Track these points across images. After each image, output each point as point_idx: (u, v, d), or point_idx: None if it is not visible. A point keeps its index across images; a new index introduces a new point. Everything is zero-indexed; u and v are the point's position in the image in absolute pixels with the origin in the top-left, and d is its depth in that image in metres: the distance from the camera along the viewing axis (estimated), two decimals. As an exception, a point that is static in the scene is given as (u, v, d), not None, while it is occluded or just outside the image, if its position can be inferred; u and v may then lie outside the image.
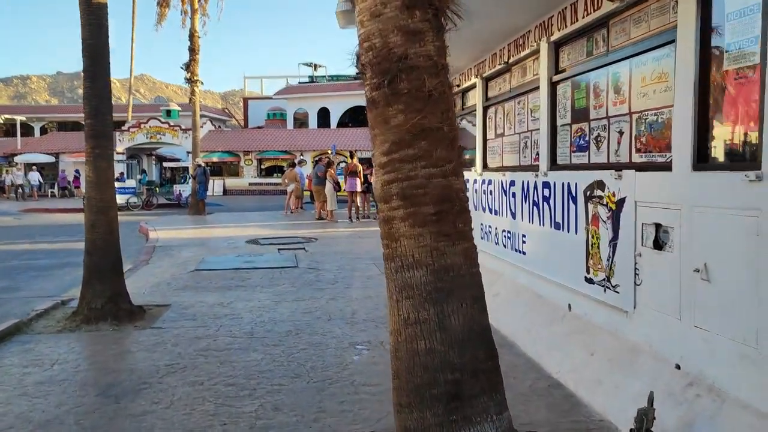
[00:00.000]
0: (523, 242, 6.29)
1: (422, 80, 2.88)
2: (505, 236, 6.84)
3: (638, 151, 4.12)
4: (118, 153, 37.29)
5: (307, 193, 20.55)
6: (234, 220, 18.75)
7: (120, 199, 25.81)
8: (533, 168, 5.94)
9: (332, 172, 16.79)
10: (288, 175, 20.66)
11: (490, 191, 7.37)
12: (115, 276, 6.52)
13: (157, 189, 28.31)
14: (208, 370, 4.84)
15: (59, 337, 5.93)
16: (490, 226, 7.41)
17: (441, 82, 2.95)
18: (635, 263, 3.96)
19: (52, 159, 42.66)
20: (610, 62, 4.48)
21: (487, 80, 7.66)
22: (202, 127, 40.42)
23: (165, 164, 35.40)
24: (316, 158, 20.73)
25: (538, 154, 5.83)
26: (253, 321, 6.43)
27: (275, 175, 37.49)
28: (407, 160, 2.90)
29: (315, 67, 59.50)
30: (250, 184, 39.27)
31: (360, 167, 16.72)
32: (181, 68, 20.83)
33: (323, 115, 52.13)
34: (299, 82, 58.17)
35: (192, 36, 20.59)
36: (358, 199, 16.82)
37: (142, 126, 38.48)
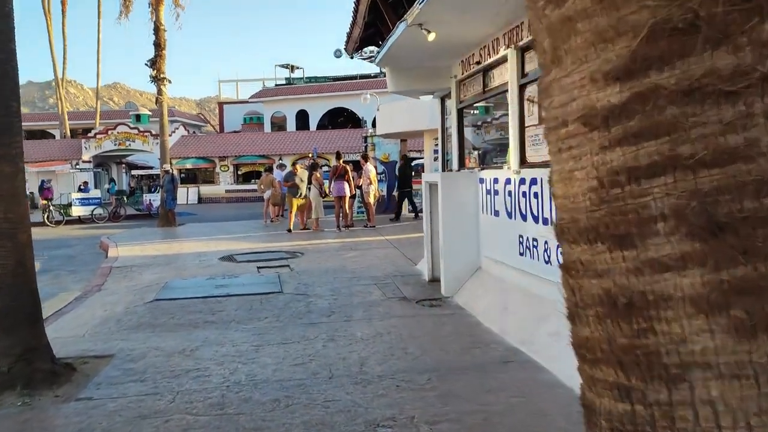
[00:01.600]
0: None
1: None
2: (564, 254, 5.09)
3: None
4: (84, 161, 35.13)
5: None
6: (207, 231, 16.83)
7: (84, 210, 23.81)
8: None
9: (318, 175, 14.98)
10: (264, 180, 18.78)
11: (535, 193, 5.64)
12: (29, 324, 4.65)
13: (125, 199, 26.20)
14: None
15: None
16: (535, 240, 5.67)
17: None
18: None
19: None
20: None
21: (524, 50, 5.93)
22: (174, 132, 38.36)
23: (134, 172, 33.18)
24: (295, 163, 18.87)
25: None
26: (225, 381, 4.61)
27: (253, 181, 35.47)
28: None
29: (292, 68, 57.55)
30: (226, 191, 37.21)
31: (349, 169, 14.93)
32: (146, 65, 18.85)
33: (302, 118, 50.25)
34: (276, 85, 56.18)
35: (157, 29, 18.64)
36: (347, 205, 15.03)
37: (110, 132, 36.30)
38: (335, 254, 11.14)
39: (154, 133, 34.83)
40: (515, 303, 5.94)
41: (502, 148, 7.09)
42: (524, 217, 5.89)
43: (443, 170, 9.47)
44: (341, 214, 15.10)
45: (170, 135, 38.27)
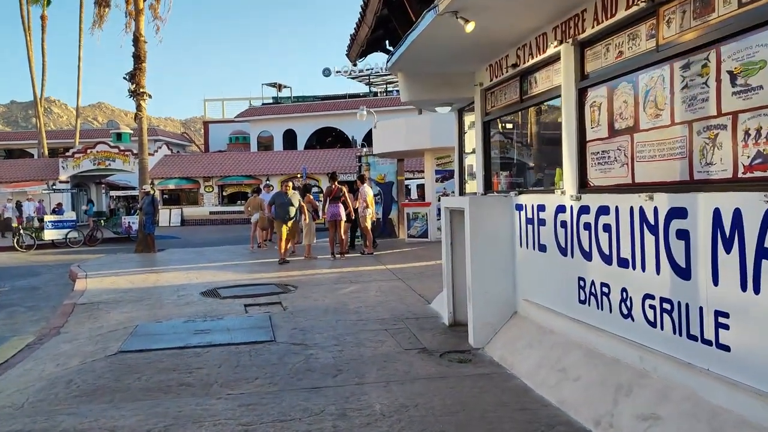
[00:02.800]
0: (721, 326, 3.30)
1: None
2: (658, 308, 3.84)
3: None
4: (61, 181, 33.57)
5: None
6: (189, 258, 15.43)
7: (58, 233, 22.24)
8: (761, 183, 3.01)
9: (310, 197, 13.69)
10: (251, 202, 17.44)
11: (606, 226, 4.39)
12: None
13: (102, 222, 24.68)
14: None
15: None
16: (606, 286, 4.41)
17: None
18: None
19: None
20: None
21: (584, 45, 4.73)
22: (157, 151, 37.00)
23: (113, 193, 31.66)
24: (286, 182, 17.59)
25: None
26: (202, 493, 3.28)
27: (239, 202, 34.10)
28: None
29: (279, 87, 56.50)
30: (210, 212, 35.75)
31: (345, 191, 13.66)
32: (125, 78, 17.55)
33: (289, 138, 49.11)
34: (263, 104, 55.05)
35: (137, 41, 17.37)
36: (342, 230, 13.72)
37: (89, 151, 34.82)
38: (333, 288, 9.81)
39: (135, 152, 33.32)
40: (576, 365, 4.65)
41: (547, 167, 5.87)
42: (587, 256, 4.64)
43: (460, 193, 8.23)
44: (336, 240, 13.79)
45: (153, 154, 36.92)
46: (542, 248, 5.42)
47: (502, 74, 6.26)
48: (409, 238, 16.38)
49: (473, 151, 7.66)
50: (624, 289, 4.17)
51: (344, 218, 13.65)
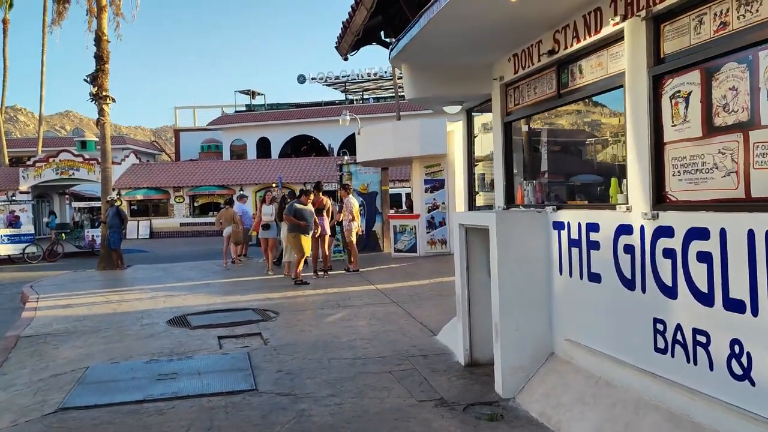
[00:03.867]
0: None
1: None
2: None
3: None
4: (21, 192, 31.78)
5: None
6: (157, 277, 14.09)
7: (14, 248, 20.66)
8: None
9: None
10: (224, 214, 16.13)
11: (702, 255, 3.31)
12: None
13: (63, 235, 23.10)
14: None
15: None
16: (705, 333, 3.33)
17: None
18: None
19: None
20: None
21: (660, 20, 3.67)
22: (125, 160, 35.39)
23: (75, 204, 29.95)
24: (265, 192, 16.32)
25: None
26: None
27: (211, 213, 32.63)
28: None
29: (253, 94, 55.17)
30: (181, 224, 34.17)
31: (329, 203, 12.48)
32: (86, 81, 16.16)
33: (263, 146, 47.74)
34: (236, 111, 53.62)
35: (99, 40, 16.00)
36: (327, 246, 12.54)
37: (51, 160, 33.06)
38: (320, 314, 8.63)
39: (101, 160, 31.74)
40: (657, 434, 3.56)
41: (597, 177, 4.81)
42: (670, 292, 3.56)
43: (469, 207, 7.14)
44: (319, 256, 12.60)
45: (120, 162, 35.29)
46: (594, 278, 4.34)
47: (532, 64, 5.20)
48: (396, 252, 15.24)
49: (486, 158, 6.61)
50: (736, 342, 3.10)
51: (329, 232, 12.47)
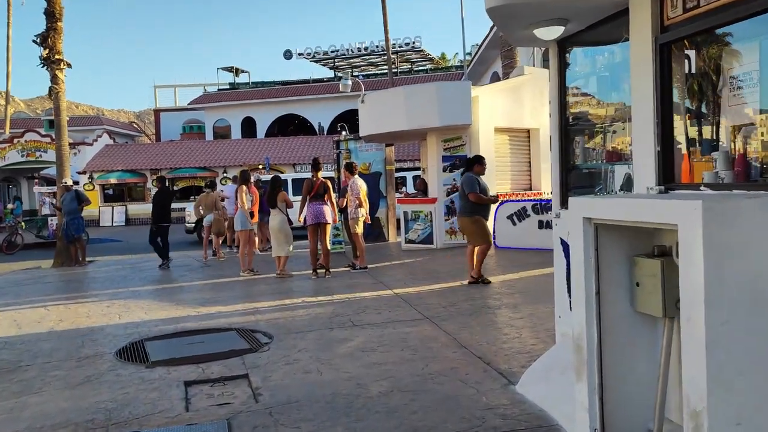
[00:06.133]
0: None
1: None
2: None
3: None
4: (-18, 176, 29.03)
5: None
6: (120, 277, 11.65)
7: (-35, 240, 18.16)
8: None
9: (284, 194, 10.08)
10: (203, 200, 13.70)
11: None
12: None
13: (23, 224, 20.50)
14: None
15: None
16: None
17: None
18: None
19: None
20: None
21: None
22: (97, 140, 32.62)
23: (37, 189, 27.20)
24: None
25: None
26: None
27: (192, 198, 30.06)
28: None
29: (237, 72, 52.29)
30: (160, 210, 31.54)
31: (329, 185, 10.06)
32: (35, 42, 13.52)
33: (248, 126, 45.09)
34: (219, 90, 50.75)
35: (50, -7, 13.38)
36: (327, 238, 10.14)
37: (16, 141, 30.25)
38: (330, 339, 6.24)
39: (72, 141, 29.00)
40: None
41: None
42: None
43: (563, 191, 4.75)
44: (319, 251, 10.21)
45: (92, 143, 32.54)
46: None
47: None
48: (407, 244, 12.88)
49: (590, 111, 4.26)
50: None
51: (330, 221, 10.07)
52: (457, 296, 7.96)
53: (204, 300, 8.70)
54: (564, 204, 4.73)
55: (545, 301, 7.17)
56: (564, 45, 4.61)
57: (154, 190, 13.40)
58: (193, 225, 17.18)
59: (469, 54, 32.64)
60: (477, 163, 8.70)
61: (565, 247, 4.70)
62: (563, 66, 4.67)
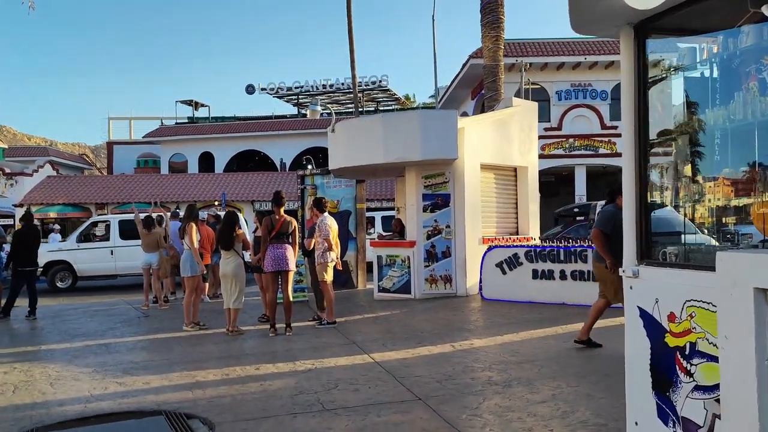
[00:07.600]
0: None
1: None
2: None
3: None
4: None
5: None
6: (36, 331, 9.70)
7: None
8: None
9: (242, 233, 8.41)
10: (146, 238, 11.93)
11: None
12: None
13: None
14: None
15: None
16: None
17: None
18: None
19: None
20: None
21: None
22: (38, 170, 30.29)
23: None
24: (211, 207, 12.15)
25: None
26: None
27: (141, 235, 27.87)
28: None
29: (196, 105, 50.43)
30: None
31: (295, 224, 8.46)
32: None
33: (206, 162, 43.09)
34: (176, 123, 48.75)
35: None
36: (289, 286, 8.49)
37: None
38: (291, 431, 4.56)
39: (8, 170, 26.68)
40: None
41: None
42: None
43: (640, 230, 3.27)
44: (277, 302, 8.51)
45: (32, 174, 30.20)
46: None
47: None
48: (381, 292, 11.25)
49: (688, 127, 2.87)
50: None
51: (293, 268, 8.41)
52: (451, 365, 6.38)
53: (132, 366, 6.89)
54: (644, 258, 3.26)
55: (564, 375, 5.85)
56: (641, 30, 3.20)
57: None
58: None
59: (439, 91, 31.69)
60: (620, 194, 6.46)
61: (647, 320, 3.23)
62: (644, 60, 3.24)
